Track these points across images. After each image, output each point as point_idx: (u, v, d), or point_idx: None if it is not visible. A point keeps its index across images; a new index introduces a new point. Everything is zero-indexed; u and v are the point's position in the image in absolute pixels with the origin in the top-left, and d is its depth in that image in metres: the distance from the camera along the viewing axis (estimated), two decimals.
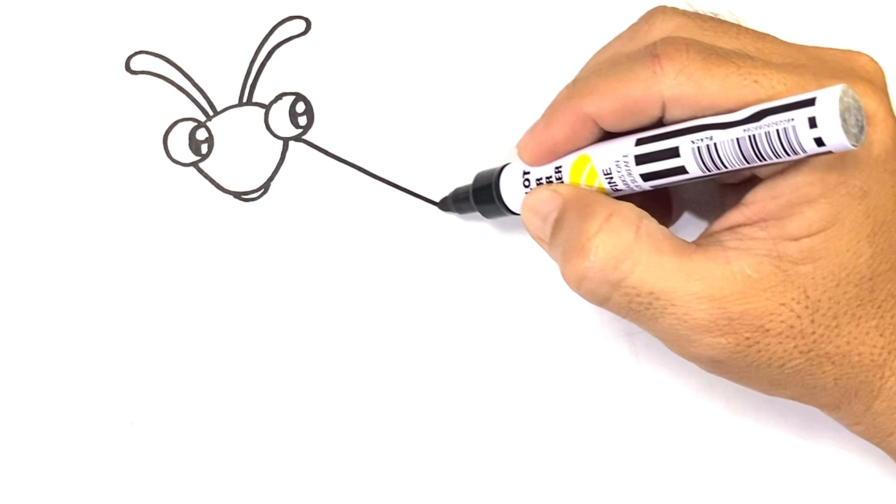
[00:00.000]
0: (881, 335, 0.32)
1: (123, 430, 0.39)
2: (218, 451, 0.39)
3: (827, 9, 0.41)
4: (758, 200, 0.31)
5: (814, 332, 0.31)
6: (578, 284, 0.31)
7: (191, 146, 0.41)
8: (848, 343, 0.31)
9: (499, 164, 0.37)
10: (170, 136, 0.41)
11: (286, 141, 0.41)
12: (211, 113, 0.41)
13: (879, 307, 0.31)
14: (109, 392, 0.39)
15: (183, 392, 0.39)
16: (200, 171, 0.41)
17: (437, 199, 0.40)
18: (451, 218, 0.40)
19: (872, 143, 0.30)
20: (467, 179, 0.40)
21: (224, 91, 0.42)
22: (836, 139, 0.26)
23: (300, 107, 0.41)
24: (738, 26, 0.32)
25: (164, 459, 0.39)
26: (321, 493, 0.38)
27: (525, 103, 0.41)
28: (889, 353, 0.32)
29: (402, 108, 0.41)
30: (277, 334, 0.40)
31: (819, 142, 0.27)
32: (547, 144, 0.33)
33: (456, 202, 0.39)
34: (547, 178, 0.34)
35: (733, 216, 0.31)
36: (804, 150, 0.27)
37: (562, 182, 0.33)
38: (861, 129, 0.27)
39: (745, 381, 0.33)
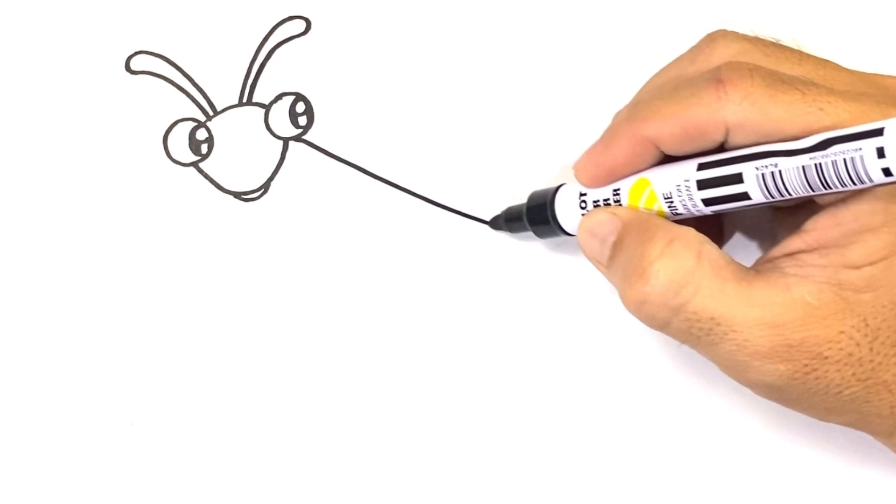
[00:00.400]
0: None
1: (123, 430, 0.39)
2: (218, 451, 0.39)
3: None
4: (818, 228, 0.31)
5: (872, 360, 0.30)
6: (638, 308, 0.31)
7: (191, 146, 0.41)
8: None
9: (553, 185, 0.36)
10: (170, 136, 0.41)
11: (286, 141, 0.41)
12: (211, 113, 0.41)
13: None
14: (109, 392, 0.39)
15: (183, 392, 0.39)
16: (200, 171, 0.41)
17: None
18: (452, 219, 0.40)
19: None
20: (468, 180, 0.40)
21: (224, 91, 0.42)
22: None
23: (300, 107, 0.41)
24: (800, 52, 0.32)
25: (164, 459, 0.39)
26: (321, 493, 0.38)
27: (525, 103, 0.41)
28: None
29: (403, 108, 0.41)
30: (277, 334, 0.40)
31: (887, 172, 0.27)
32: (605, 166, 0.33)
33: (508, 221, 0.39)
34: (604, 200, 0.34)
35: (793, 242, 0.31)
36: (871, 180, 0.27)
37: (620, 205, 0.33)
38: None
39: (800, 408, 0.32)
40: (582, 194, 0.35)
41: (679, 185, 0.31)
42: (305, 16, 0.42)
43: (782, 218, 0.35)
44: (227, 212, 0.41)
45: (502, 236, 0.40)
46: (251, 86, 0.42)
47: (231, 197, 0.41)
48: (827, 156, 0.28)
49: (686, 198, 0.31)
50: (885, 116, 0.27)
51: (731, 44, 0.32)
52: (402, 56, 0.42)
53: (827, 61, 0.32)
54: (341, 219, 0.40)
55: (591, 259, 0.34)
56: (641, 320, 0.31)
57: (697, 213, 0.32)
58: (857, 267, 0.30)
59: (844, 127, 0.28)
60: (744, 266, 0.31)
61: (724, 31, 0.33)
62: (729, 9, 0.42)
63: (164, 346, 0.40)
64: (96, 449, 0.39)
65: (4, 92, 0.42)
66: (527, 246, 0.40)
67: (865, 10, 0.42)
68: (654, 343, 0.39)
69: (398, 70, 0.42)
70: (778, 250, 0.32)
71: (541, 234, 0.37)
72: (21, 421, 0.39)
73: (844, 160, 0.27)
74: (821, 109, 0.29)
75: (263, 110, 0.41)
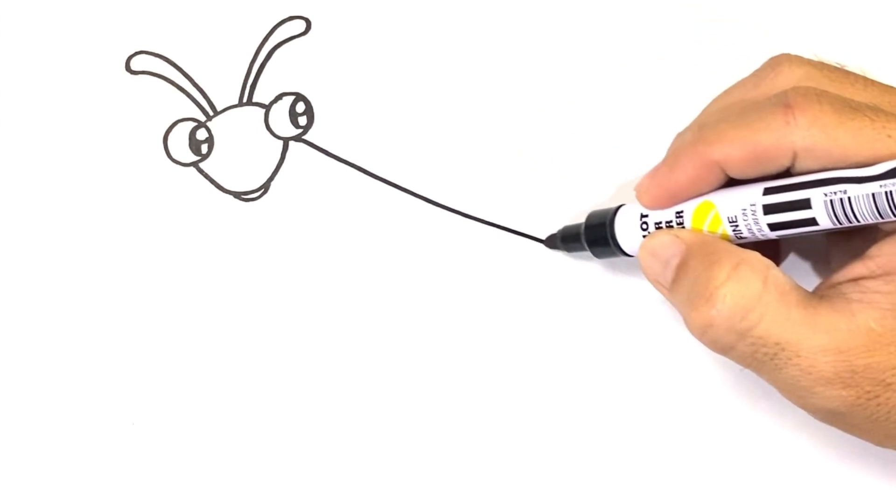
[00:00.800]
0: None
1: (124, 430, 0.39)
2: (218, 451, 0.39)
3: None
4: (883, 254, 0.31)
5: None
6: (703, 332, 0.31)
7: (191, 146, 0.41)
8: None
9: (612, 205, 0.36)
10: (170, 136, 0.41)
11: (286, 141, 0.41)
12: (211, 113, 0.41)
13: None
14: (110, 392, 0.39)
15: (183, 392, 0.39)
16: (200, 171, 0.41)
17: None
18: (451, 219, 0.40)
19: None
20: (468, 180, 0.40)
21: (224, 91, 0.42)
22: None
23: (300, 107, 0.41)
24: (866, 78, 0.32)
25: (164, 459, 0.39)
26: (321, 493, 0.38)
27: (525, 103, 0.41)
28: None
29: (403, 109, 0.41)
30: (277, 334, 0.40)
31: None
32: (669, 189, 0.33)
33: (565, 241, 0.38)
34: (667, 222, 0.33)
35: (856, 268, 0.31)
36: None
37: (682, 227, 0.33)
38: None
39: (860, 434, 0.32)
40: (643, 216, 0.34)
41: (745, 209, 0.31)
42: (305, 16, 0.42)
43: (837, 241, 0.35)
44: (227, 212, 0.41)
45: (497, 237, 0.40)
46: (251, 86, 0.42)
47: (231, 197, 0.41)
48: None
49: (752, 222, 0.31)
50: None
51: (796, 68, 0.32)
52: (403, 56, 0.42)
53: (892, 87, 0.32)
54: (341, 219, 0.40)
55: (652, 281, 0.34)
56: (705, 344, 0.31)
57: (762, 238, 0.32)
58: None
59: None
60: (808, 292, 0.31)
61: (789, 55, 0.33)
62: (729, 9, 0.42)
63: (164, 346, 0.40)
64: (97, 449, 0.39)
65: (4, 92, 0.42)
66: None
67: (864, 7, 0.42)
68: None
69: (398, 70, 0.42)
70: (841, 275, 0.32)
71: (598, 255, 0.37)
72: (21, 421, 0.39)
73: None
74: (889, 136, 0.29)
75: (263, 110, 0.41)
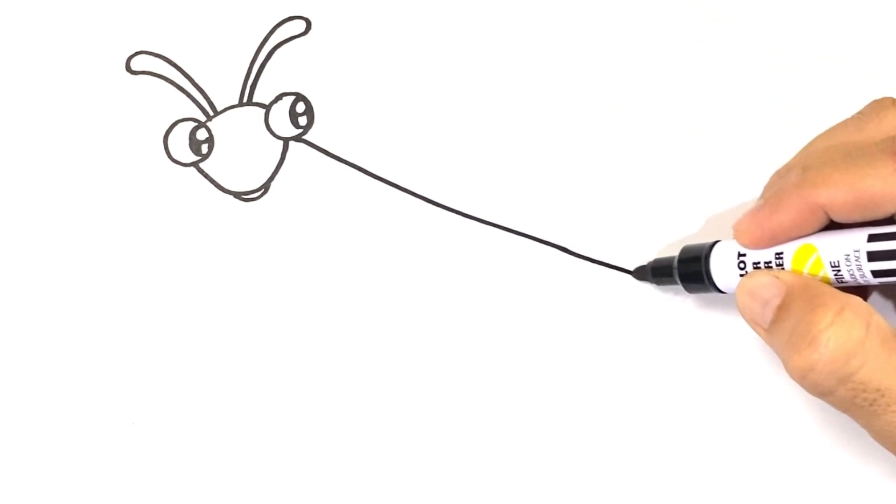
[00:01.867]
0: None
1: (124, 430, 0.39)
2: (218, 451, 0.39)
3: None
4: None
5: None
6: (804, 375, 0.31)
7: (191, 146, 0.41)
8: None
9: (708, 241, 0.36)
10: (170, 136, 0.41)
11: (286, 141, 0.41)
12: (211, 113, 0.42)
13: None
14: (110, 392, 0.39)
15: (183, 392, 0.39)
16: (200, 171, 0.41)
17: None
18: (450, 219, 0.40)
19: None
20: (468, 180, 0.40)
21: (224, 91, 0.42)
22: None
23: (300, 107, 0.41)
24: None
25: (164, 459, 0.39)
26: (321, 492, 0.38)
27: (525, 103, 0.41)
28: None
29: (403, 109, 0.41)
30: (277, 334, 0.40)
31: None
32: (770, 229, 0.33)
33: (655, 274, 0.38)
34: (765, 262, 0.33)
35: None
36: None
37: (782, 268, 0.33)
38: None
39: None
40: (741, 254, 0.34)
41: (848, 254, 0.31)
42: (305, 16, 0.42)
43: None
44: (227, 212, 0.41)
45: (497, 239, 0.40)
46: (251, 86, 0.42)
47: (231, 197, 0.41)
48: None
49: (854, 268, 0.31)
50: None
51: None
52: (403, 56, 0.42)
53: None
54: (341, 219, 0.40)
55: (748, 321, 0.34)
56: (804, 387, 0.31)
57: (864, 283, 0.32)
58: None
59: None
60: None
61: (893, 99, 0.33)
62: (729, 9, 0.42)
63: (164, 346, 0.40)
64: (97, 449, 0.39)
65: (4, 92, 0.42)
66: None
67: (864, 7, 0.42)
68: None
69: (398, 70, 0.42)
70: None
71: (691, 290, 0.37)
72: (22, 421, 0.39)
73: None
74: None
75: (263, 110, 0.41)
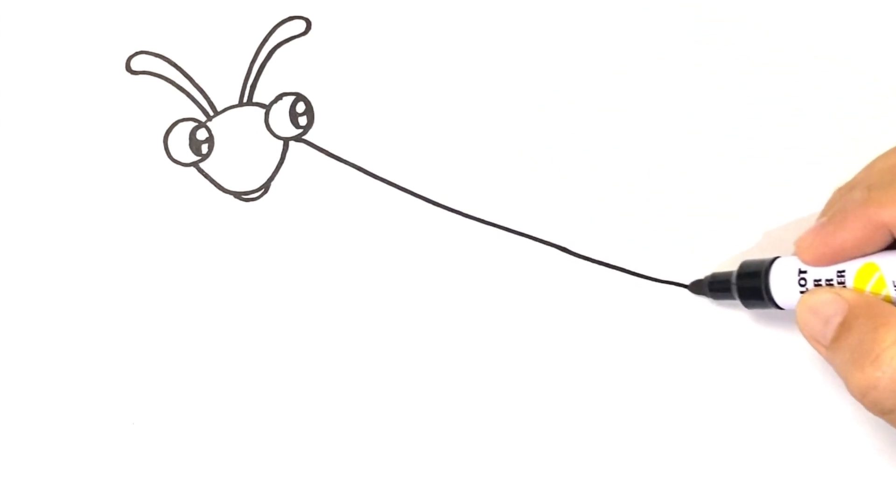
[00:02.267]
0: None
1: (124, 430, 0.39)
2: (218, 451, 0.39)
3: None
4: None
5: None
6: (865, 393, 0.31)
7: (191, 146, 0.41)
8: None
9: (768, 257, 0.36)
10: (170, 136, 0.41)
11: (286, 141, 0.41)
12: (211, 113, 0.41)
13: None
14: (109, 392, 0.39)
15: (183, 392, 0.39)
16: (200, 171, 0.41)
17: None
18: (450, 219, 0.40)
19: None
20: (468, 180, 0.40)
21: (224, 91, 0.42)
22: None
23: (300, 107, 0.41)
24: None
25: (164, 459, 0.39)
26: (321, 492, 0.38)
27: (525, 103, 0.41)
28: None
29: (403, 109, 0.41)
30: (277, 334, 0.40)
31: None
32: (833, 247, 0.33)
33: (713, 288, 0.38)
34: (827, 280, 0.33)
35: None
36: None
37: (843, 286, 0.33)
38: None
39: None
40: (801, 271, 0.34)
41: None
42: (305, 16, 0.42)
43: None
44: (227, 212, 0.41)
45: (496, 239, 0.40)
46: (251, 86, 0.42)
47: (231, 197, 0.41)
48: None
49: None
50: None
51: None
52: (403, 56, 0.42)
53: None
54: (341, 219, 0.40)
55: (808, 338, 0.33)
56: (865, 405, 0.31)
57: None
58: None
59: None
60: None
61: None
62: (729, 9, 0.42)
63: (164, 346, 0.40)
64: (97, 449, 0.39)
65: (4, 92, 0.42)
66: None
67: (864, 7, 0.42)
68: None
69: (398, 70, 0.42)
70: None
71: (749, 305, 0.37)
72: (22, 421, 0.39)
73: None
74: None
75: (263, 110, 0.41)
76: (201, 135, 0.41)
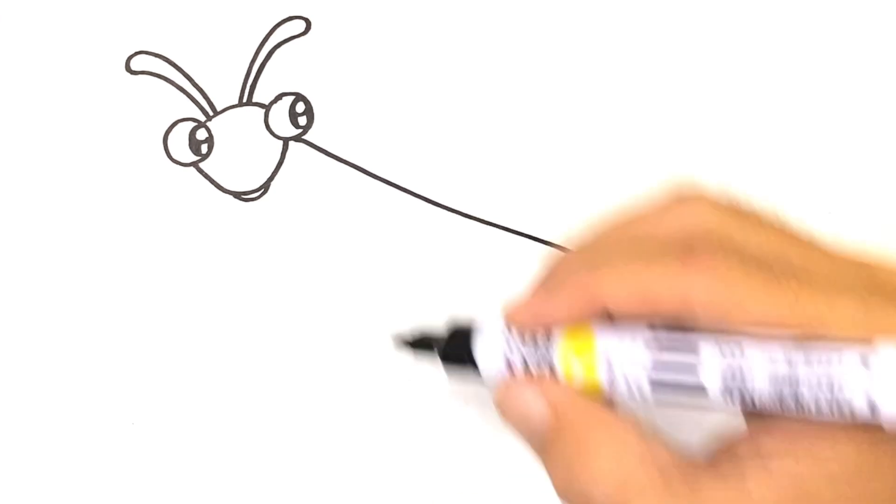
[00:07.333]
0: None
1: (123, 431, 0.39)
2: (218, 451, 0.39)
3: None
4: (792, 426, 0.26)
5: None
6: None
7: (191, 146, 0.41)
8: None
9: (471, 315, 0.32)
10: (170, 136, 0.41)
11: (286, 141, 0.41)
12: (211, 113, 0.42)
13: None
14: (109, 392, 0.39)
15: (183, 392, 0.39)
16: (200, 171, 0.41)
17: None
18: (451, 219, 0.40)
19: None
20: (468, 180, 0.40)
21: (224, 91, 0.42)
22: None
23: (300, 107, 0.41)
24: (782, 230, 0.28)
25: (164, 459, 0.39)
26: (320, 492, 0.38)
27: (525, 102, 0.41)
28: None
29: (403, 108, 0.41)
30: (277, 334, 0.40)
31: (872, 407, 0.23)
32: (545, 315, 0.29)
33: (416, 347, 0.33)
34: (532, 355, 0.29)
35: (760, 436, 0.27)
36: (851, 416, 0.24)
37: (550, 366, 0.29)
38: None
39: None
40: (507, 340, 0.29)
41: (627, 362, 0.28)
42: (305, 16, 0.42)
43: None
44: (227, 212, 0.41)
45: (498, 239, 0.40)
46: (251, 86, 0.42)
47: (231, 197, 0.41)
48: (803, 365, 0.25)
49: (633, 384, 0.28)
50: (873, 322, 0.24)
51: (706, 211, 0.28)
52: (402, 56, 0.42)
53: (811, 242, 0.28)
54: (341, 219, 0.40)
55: (518, 437, 0.30)
56: None
57: (646, 400, 0.28)
58: (831, 475, 0.26)
59: (824, 327, 0.25)
60: (692, 461, 0.28)
61: (700, 194, 0.29)
62: (730, 8, 0.42)
63: (164, 346, 0.40)
64: (96, 449, 0.39)
65: (5, 92, 0.42)
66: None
67: (863, 7, 0.42)
68: None
69: (398, 70, 0.42)
70: (737, 440, 0.28)
71: (451, 374, 0.32)
72: (21, 421, 0.39)
73: (821, 380, 0.24)
74: (797, 301, 0.26)
75: (263, 110, 0.41)
76: (201, 135, 0.41)
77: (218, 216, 0.41)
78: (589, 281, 0.28)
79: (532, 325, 0.29)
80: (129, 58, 0.42)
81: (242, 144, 0.41)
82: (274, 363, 0.39)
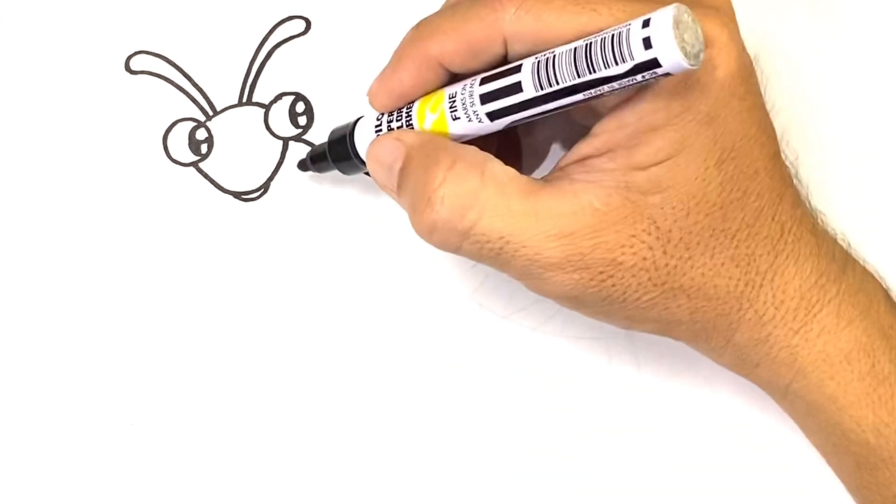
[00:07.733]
0: (736, 266, 0.31)
1: (123, 431, 0.39)
2: (218, 451, 0.39)
3: None
4: (605, 131, 0.30)
5: (667, 265, 0.30)
6: (429, 236, 0.31)
7: (191, 146, 0.41)
8: (702, 275, 0.31)
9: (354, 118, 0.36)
10: (170, 136, 0.41)
11: (286, 141, 0.41)
12: (211, 113, 0.41)
13: (733, 237, 0.31)
14: (109, 392, 0.39)
15: (183, 392, 0.39)
16: (200, 171, 0.41)
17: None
18: None
19: (716, 68, 0.29)
20: None
21: (224, 91, 0.42)
22: (671, 56, 0.26)
23: (300, 107, 0.41)
24: None
25: (164, 459, 0.39)
26: (320, 492, 0.38)
27: None
28: (745, 284, 0.31)
29: None
30: (277, 334, 0.40)
31: (647, 43, 0.26)
32: (396, 90, 0.33)
33: (315, 161, 0.38)
34: (399, 126, 0.33)
35: (582, 148, 0.31)
36: (633, 57, 0.27)
37: (412, 128, 0.33)
38: (700, 50, 0.26)
39: (603, 317, 0.32)
40: (377, 122, 0.34)
41: (463, 99, 0.31)
42: (305, 16, 0.42)
43: (575, 127, 0.34)
44: (227, 212, 0.41)
45: None
46: (251, 86, 0.42)
47: (231, 197, 0.41)
48: (595, 36, 0.28)
49: (471, 113, 0.31)
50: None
51: None
52: None
53: None
54: (341, 219, 0.40)
55: (382, 188, 0.34)
56: (434, 246, 0.31)
57: (486, 130, 0.31)
58: (644, 168, 0.30)
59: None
60: (532, 179, 0.31)
61: None
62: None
63: (163, 346, 0.40)
64: (96, 449, 0.39)
65: (4, 92, 0.42)
66: None
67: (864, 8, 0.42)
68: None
69: None
70: (567, 158, 0.31)
71: (346, 171, 0.37)
72: (21, 421, 0.39)
73: (612, 36, 0.27)
74: (594, 10, 0.29)
75: (263, 110, 0.41)
76: (201, 135, 0.41)
77: (218, 216, 0.41)
78: (421, 45, 0.32)
79: (392, 102, 0.33)
80: (129, 58, 0.42)
81: (242, 144, 0.41)
82: (274, 363, 0.39)
